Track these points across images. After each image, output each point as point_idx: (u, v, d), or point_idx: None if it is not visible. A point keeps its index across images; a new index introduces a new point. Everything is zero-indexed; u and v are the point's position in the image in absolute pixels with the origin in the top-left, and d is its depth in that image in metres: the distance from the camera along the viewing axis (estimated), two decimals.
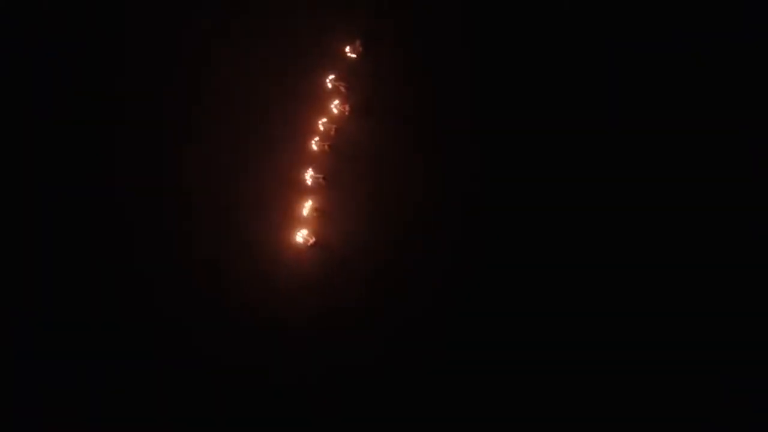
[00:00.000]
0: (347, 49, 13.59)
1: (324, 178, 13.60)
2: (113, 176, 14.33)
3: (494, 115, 13.48)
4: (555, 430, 12.86)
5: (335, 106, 13.56)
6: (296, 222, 13.62)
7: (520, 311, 13.14)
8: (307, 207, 13.49)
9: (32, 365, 14.02)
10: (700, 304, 12.76)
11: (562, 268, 13.14)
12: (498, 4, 13.54)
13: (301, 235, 13.49)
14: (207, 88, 14.23)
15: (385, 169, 13.59)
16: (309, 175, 13.53)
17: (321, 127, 13.60)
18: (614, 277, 13.00)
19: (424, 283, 13.41)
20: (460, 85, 13.58)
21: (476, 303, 13.25)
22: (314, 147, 13.63)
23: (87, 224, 14.27)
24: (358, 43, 13.59)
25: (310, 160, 13.68)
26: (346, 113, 13.59)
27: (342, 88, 13.59)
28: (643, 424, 12.69)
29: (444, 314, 13.32)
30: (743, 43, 12.96)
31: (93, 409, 13.81)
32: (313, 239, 13.51)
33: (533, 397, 12.94)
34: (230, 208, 13.92)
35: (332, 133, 13.60)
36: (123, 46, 14.56)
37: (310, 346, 13.56)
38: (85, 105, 14.50)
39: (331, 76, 13.61)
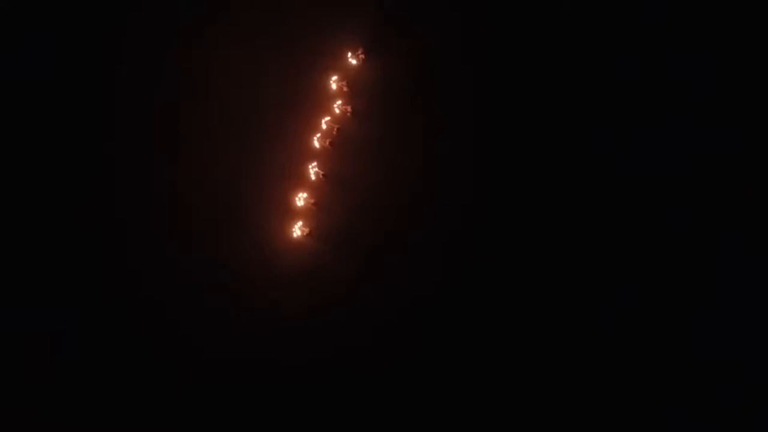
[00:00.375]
0: (349, 54, 13.65)
1: (324, 175, 13.75)
2: (113, 175, 14.49)
3: (494, 116, 13.63)
4: (555, 430, 12.97)
5: (338, 106, 13.66)
6: (293, 214, 13.81)
7: (520, 311, 13.21)
8: (302, 198, 13.72)
9: (32, 365, 14.08)
10: (699, 304, 12.83)
11: (563, 268, 13.21)
12: (498, 6, 13.59)
13: (298, 227, 13.68)
14: (214, 87, 14.36)
15: (384, 168, 13.75)
16: (313, 171, 13.75)
17: (324, 126, 13.77)
18: (614, 277, 13.08)
19: (423, 282, 13.50)
20: (461, 86, 13.77)
21: (475, 303, 13.32)
22: (316, 144, 13.82)
23: (86, 223, 14.35)
24: (359, 51, 13.68)
25: (313, 156, 13.87)
26: (348, 113, 13.69)
27: (345, 89, 13.67)
28: (643, 424, 12.77)
29: (442, 313, 13.39)
30: (744, 43, 13.02)
31: (93, 409, 13.81)
32: (308, 230, 13.67)
33: (533, 397, 13.00)
34: (233, 204, 14.08)
35: (334, 132, 13.81)
36: (128, 40, 14.73)
37: (309, 345, 13.64)
38: (87, 100, 14.64)
39: (335, 77, 13.67)
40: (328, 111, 13.83)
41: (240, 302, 13.82)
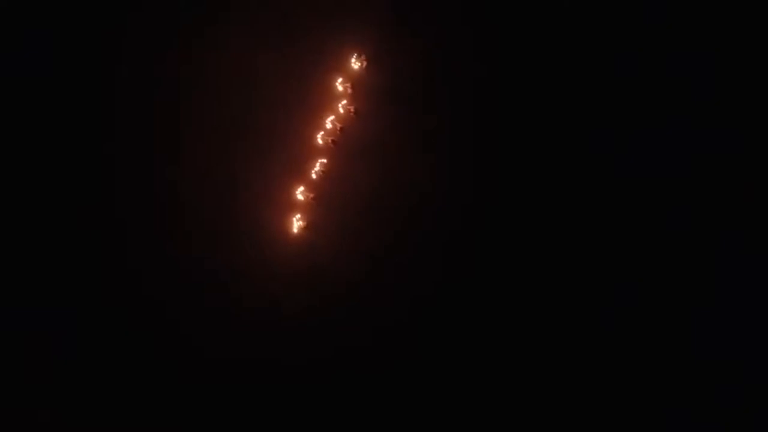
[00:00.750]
0: (354, 58, 13.74)
1: (324, 172, 13.84)
2: (113, 175, 14.45)
3: (494, 116, 13.66)
4: (555, 430, 12.97)
5: (342, 106, 13.73)
6: (292, 207, 13.83)
7: (520, 311, 13.23)
8: (301, 192, 13.79)
9: (32, 365, 14.07)
10: (699, 304, 12.83)
11: (563, 268, 13.22)
12: (498, 7, 13.61)
13: (296, 219, 13.75)
14: (214, 87, 14.36)
15: (386, 167, 13.78)
16: (317, 168, 13.83)
17: (329, 125, 13.81)
18: (614, 277, 13.08)
19: (423, 282, 13.53)
20: (462, 86, 13.79)
21: (475, 302, 13.34)
22: (320, 141, 13.87)
23: (86, 223, 14.32)
24: (362, 55, 13.76)
25: (315, 154, 13.87)
26: (352, 113, 13.72)
27: (349, 90, 13.74)
28: (643, 424, 12.77)
29: (443, 313, 13.43)
30: (744, 43, 13.01)
31: (93, 409, 13.81)
32: (305, 223, 13.72)
33: (533, 397, 13.01)
34: (233, 203, 14.07)
35: (338, 131, 13.85)
36: (128, 40, 14.63)
37: (309, 345, 13.65)
38: (86, 100, 14.57)
39: (340, 80, 13.76)
40: (333, 110, 13.84)
41: (240, 302, 13.83)
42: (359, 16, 13.88)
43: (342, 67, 13.89)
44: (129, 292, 14.08)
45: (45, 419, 13.74)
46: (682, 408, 12.64)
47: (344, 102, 13.82)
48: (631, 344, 12.91)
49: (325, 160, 13.81)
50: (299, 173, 13.87)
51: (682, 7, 13.15)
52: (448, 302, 13.37)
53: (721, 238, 12.87)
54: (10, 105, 14.59)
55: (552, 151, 13.41)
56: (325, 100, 13.90)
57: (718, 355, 12.67)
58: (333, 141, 13.86)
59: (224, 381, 13.60)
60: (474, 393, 13.09)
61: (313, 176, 13.81)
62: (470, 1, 13.70)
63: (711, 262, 12.85)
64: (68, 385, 13.89)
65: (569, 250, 13.22)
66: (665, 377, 12.77)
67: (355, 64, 13.83)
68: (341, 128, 13.82)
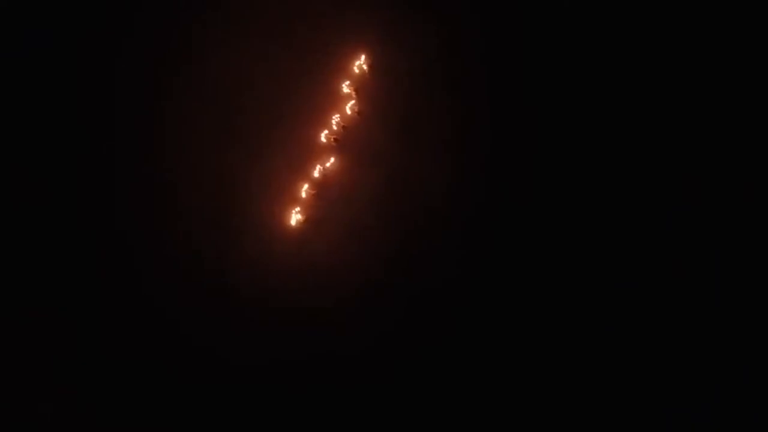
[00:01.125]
0: (360, 60, 13.85)
1: (325, 169, 13.90)
2: (113, 175, 14.44)
3: (495, 117, 13.66)
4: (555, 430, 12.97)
5: (349, 107, 13.85)
6: (292, 201, 13.85)
7: (520, 310, 13.23)
8: (303, 190, 13.86)
9: (32, 365, 14.07)
10: (699, 304, 12.84)
11: (562, 268, 13.23)
12: (499, 9, 13.63)
13: (295, 212, 13.78)
14: (213, 86, 14.39)
15: (387, 167, 13.81)
16: (318, 168, 13.86)
17: (334, 126, 13.86)
18: (614, 277, 13.09)
19: (423, 282, 13.53)
20: (464, 87, 13.85)
21: (476, 302, 13.35)
22: (322, 140, 13.90)
23: (86, 223, 14.29)
24: (366, 59, 13.83)
25: (318, 151, 13.92)
26: (356, 113, 13.83)
27: (354, 94, 13.82)
28: (643, 424, 12.77)
29: (443, 313, 13.42)
30: (744, 43, 13.04)
31: (93, 409, 13.78)
32: (303, 217, 13.77)
33: (534, 397, 13.01)
34: (234, 202, 14.08)
35: (341, 130, 13.92)
36: (128, 40, 14.66)
37: (309, 345, 13.65)
38: (87, 100, 14.57)
39: (347, 82, 13.84)
40: (336, 110, 13.87)
41: (240, 301, 13.83)
42: (362, 17, 13.92)
43: (345, 67, 13.93)
44: (129, 292, 14.06)
45: (45, 419, 13.73)
46: (682, 408, 12.63)
47: (349, 103, 13.85)
48: (631, 344, 12.90)
49: (330, 159, 13.83)
50: (301, 171, 13.89)
51: (681, 7, 13.19)
52: (449, 302, 13.37)
53: (721, 238, 12.87)
54: (10, 105, 14.58)
55: (552, 151, 13.45)
56: (328, 99, 13.94)
57: (718, 355, 12.66)
58: (335, 139, 13.89)
59: (224, 381, 13.58)
60: (474, 393, 13.09)
61: (315, 174, 13.83)
62: (473, 1, 13.74)
63: (711, 262, 12.85)
64: (68, 385, 13.86)
65: (569, 250, 13.24)
66: (665, 377, 12.76)
67: (359, 66, 13.86)
68: (344, 126, 13.85)
